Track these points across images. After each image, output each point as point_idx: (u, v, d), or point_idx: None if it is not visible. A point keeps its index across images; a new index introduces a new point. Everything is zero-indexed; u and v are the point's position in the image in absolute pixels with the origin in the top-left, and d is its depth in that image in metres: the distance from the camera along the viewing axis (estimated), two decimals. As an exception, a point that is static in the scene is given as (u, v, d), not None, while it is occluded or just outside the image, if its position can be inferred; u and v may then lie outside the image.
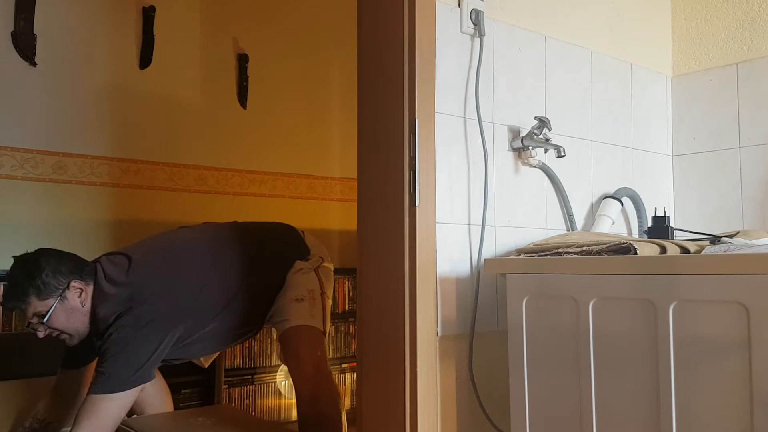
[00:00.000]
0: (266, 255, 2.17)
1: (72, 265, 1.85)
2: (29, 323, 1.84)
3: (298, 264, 2.20)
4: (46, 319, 1.80)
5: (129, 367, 1.78)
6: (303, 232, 2.34)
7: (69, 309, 1.82)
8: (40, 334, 1.83)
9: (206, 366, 2.39)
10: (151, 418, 2.16)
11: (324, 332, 2.13)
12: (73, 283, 1.83)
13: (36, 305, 1.79)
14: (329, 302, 2.23)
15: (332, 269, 2.34)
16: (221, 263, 2.07)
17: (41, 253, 1.86)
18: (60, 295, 1.80)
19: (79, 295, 1.84)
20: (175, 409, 2.94)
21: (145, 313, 1.84)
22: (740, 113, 1.91)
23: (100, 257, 2.00)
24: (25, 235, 2.93)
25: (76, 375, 2.06)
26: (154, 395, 2.22)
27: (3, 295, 1.84)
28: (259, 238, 2.22)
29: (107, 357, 1.78)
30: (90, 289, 1.87)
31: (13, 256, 1.85)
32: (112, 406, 1.76)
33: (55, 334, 1.86)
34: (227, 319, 2.06)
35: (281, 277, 2.17)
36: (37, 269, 1.79)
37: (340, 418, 2.00)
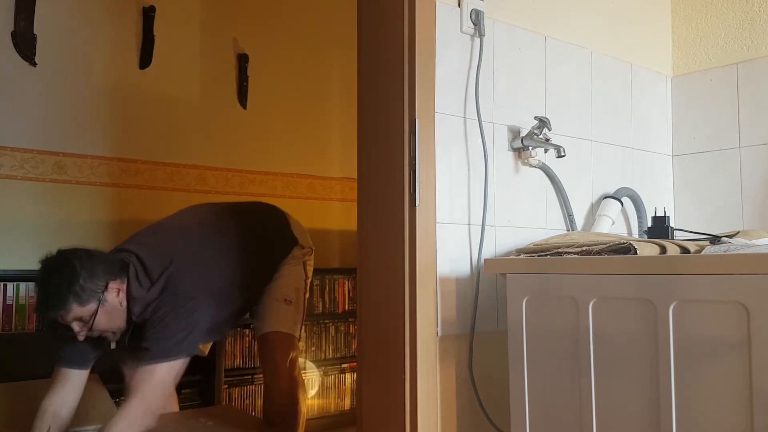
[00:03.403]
0: (262, 242, 2.22)
1: (105, 265, 1.80)
2: (64, 325, 1.77)
3: (294, 251, 2.28)
4: (91, 325, 1.75)
5: (177, 335, 1.79)
6: (288, 216, 2.38)
7: (110, 310, 1.78)
8: (81, 337, 1.78)
9: (206, 354, 2.39)
10: (152, 419, 2.16)
11: (299, 336, 2.26)
12: (111, 285, 1.78)
13: (77, 311, 1.73)
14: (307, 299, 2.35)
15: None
16: (225, 248, 2.11)
17: (72, 255, 1.78)
18: (100, 299, 1.75)
19: (117, 295, 1.80)
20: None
21: (182, 293, 1.85)
22: (740, 113, 1.91)
23: (122, 251, 1.93)
24: (25, 235, 2.93)
25: (81, 376, 1.94)
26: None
27: (41, 303, 1.75)
28: (252, 224, 2.26)
29: (155, 329, 1.78)
30: (124, 286, 1.83)
31: (41, 261, 1.78)
32: (168, 373, 1.76)
33: (95, 335, 1.81)
34: (229, 303, 2.09)
35: (276, 264, 2.24)
36: (74, 274, 1.72)
37: (299, 410, 2.21)
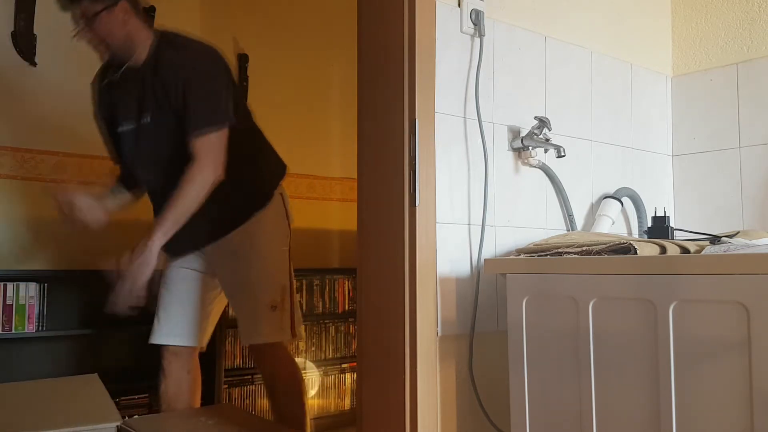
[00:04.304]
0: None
1: None
2: (76, 27, 2.02)
3: (280, 222, 2.22)
4: (92, 24, 1.97)
5: (219, 105, 1.99)
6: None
7: (110, 23, 1.98)
8: (81, 36, 2.02)
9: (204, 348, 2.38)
10: (152, 418, 2.16)
11: (293, 334, 2.19)
12: (121, 4, 1.98)
13: (86, 6, 1.96)
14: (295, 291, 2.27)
15: None
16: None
17: None
18: (107, 7, 1.95)
19: (123, 17, 1.98)
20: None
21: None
22: (740, 113, 1.91)
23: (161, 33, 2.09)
24: (25, 235, 2.94)
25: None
26: (186, 389, 2.26)
27: None
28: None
29: (189, 97, 1.95)
30: (136, 22, 2.01)
31: None
32: (219, 139, 1.96)
33: (94, 43, 2.04)
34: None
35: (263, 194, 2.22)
36: None
37: (303, 403, 2.23)
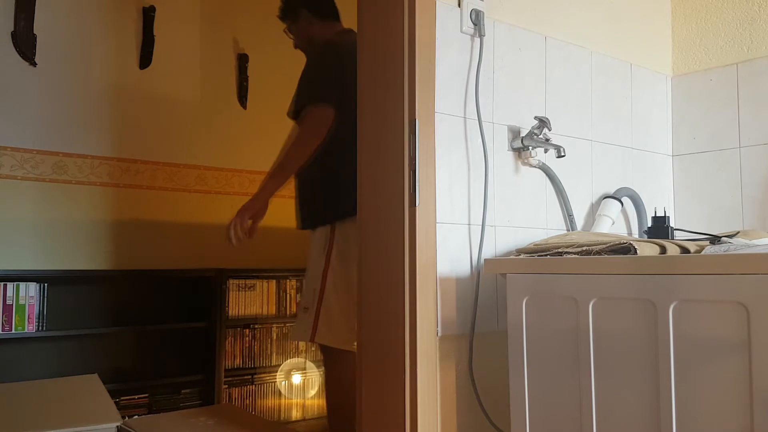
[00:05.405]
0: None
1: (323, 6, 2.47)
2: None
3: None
4: (293, 31, 2.52)
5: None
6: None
7: (298, 30, 2.50)
8: (293, 40, 2.58)
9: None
10: (152, 419, 2.16)
11: (313, 338, 2.19)
12: (303, 14, 2.45)
13: (282, 20, 2.54)
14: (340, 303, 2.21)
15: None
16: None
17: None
18: (294, 20, 2.49)
19: (306, 23, 2.46)
20: (176, 408, 2.94)
21: None
22: (740, 113, 1.91)
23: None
24: (25, 235, 2.94)
25: None
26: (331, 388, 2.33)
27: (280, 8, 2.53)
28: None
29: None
30: (319, 26, 2.44)
31: None
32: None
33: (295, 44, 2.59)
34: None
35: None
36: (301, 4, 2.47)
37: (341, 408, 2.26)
